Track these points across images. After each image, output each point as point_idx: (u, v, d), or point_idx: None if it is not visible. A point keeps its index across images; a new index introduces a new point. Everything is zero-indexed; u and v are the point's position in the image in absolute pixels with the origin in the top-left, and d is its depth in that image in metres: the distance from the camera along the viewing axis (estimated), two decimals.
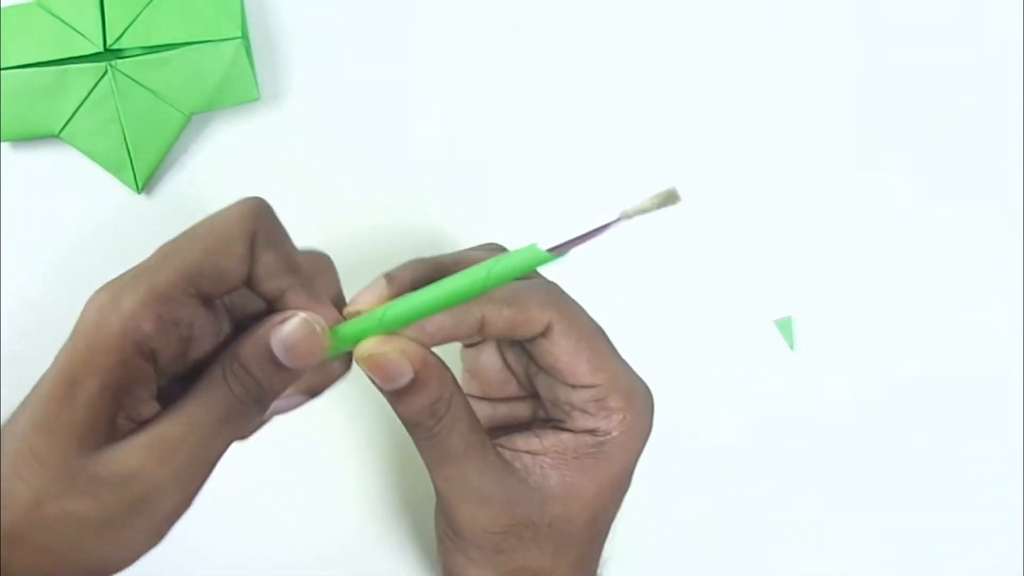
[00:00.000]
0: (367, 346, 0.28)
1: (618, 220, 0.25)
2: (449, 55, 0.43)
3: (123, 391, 0.26)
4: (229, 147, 0.42)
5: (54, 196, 0.41)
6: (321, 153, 0.42)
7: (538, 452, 0.31)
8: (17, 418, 0.26)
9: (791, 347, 0.42)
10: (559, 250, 0.25)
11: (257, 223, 0.27)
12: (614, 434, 0.31)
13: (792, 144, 0.43)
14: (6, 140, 0.40)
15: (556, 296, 0.31)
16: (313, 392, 0.30)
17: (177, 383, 0.28)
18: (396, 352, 0.28)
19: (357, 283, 0.29)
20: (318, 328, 0.27)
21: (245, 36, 0.41)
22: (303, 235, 0.41)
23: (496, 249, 0.33)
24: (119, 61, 0.40)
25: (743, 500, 0.41)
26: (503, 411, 0.34)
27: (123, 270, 0.27)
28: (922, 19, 0.44)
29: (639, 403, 0.31)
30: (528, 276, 0.32)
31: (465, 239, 0.41)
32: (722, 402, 0.42)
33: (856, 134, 0.43)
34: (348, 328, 0.28)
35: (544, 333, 0.30)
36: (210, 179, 0.42)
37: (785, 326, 0.42)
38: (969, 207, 0.43)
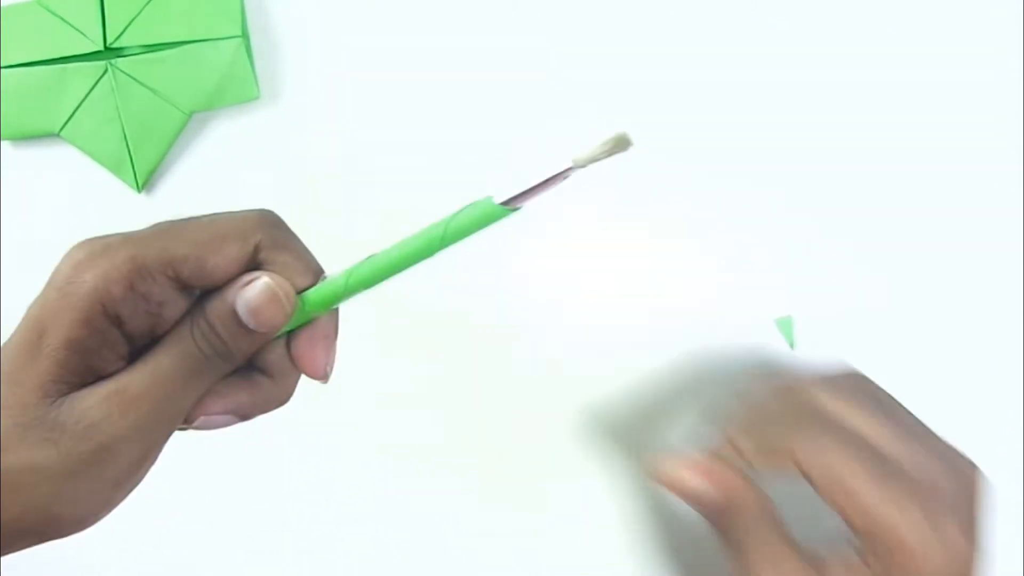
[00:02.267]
0: (666, 470, 0.31)
1: (570, 169, 0.25)
2: (448, 54, 0.43)
3: (89, 347, 0.26)
4: (229, 146, 0.42)
5: (54, 196, 0.41)
6: (320, 151, 0.42)
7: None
8: None
9: (791, 347, 0.42)
10: (513, 203, 0.25)
11: (262, 232, 0.27)
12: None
13: (793, 143, 0.43)
14: (6, 139, 0.40)
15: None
16: (244, 415, 0.29)
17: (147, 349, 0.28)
18: (698, 481, 0.31)
19: None
20: (281, 293, 0.27)
21: (245, 35, 0.41)
22: (302, 233, 0.42)
23: None
24: (119, 60, 0.40)
25: None
26: None
27: None
28: (922, 17, 0.44)
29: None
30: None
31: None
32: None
33: (857, 133, 0.43)
34: (314, 294, 0.28)
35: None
36: (210, 177, 0.42)
37: (785, 326, 0.42)
38: (970, 207, 0.43)
